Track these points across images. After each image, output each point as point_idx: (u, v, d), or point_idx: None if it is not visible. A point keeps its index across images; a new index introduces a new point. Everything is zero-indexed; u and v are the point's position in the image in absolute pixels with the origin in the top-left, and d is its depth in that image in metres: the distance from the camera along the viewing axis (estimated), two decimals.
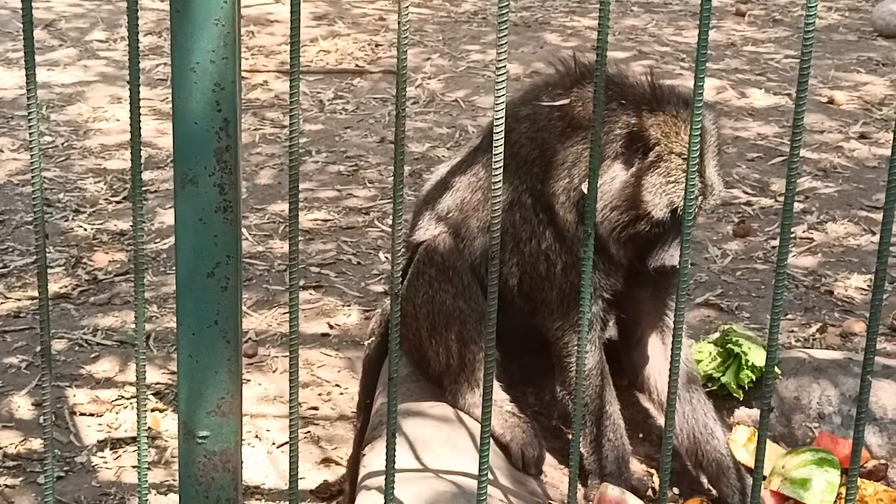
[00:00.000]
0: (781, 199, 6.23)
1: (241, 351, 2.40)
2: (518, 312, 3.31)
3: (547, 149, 3.20)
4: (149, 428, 4.35)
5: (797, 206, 6.15)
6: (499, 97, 2.20)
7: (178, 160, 2.28)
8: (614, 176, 3.09)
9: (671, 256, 3.13)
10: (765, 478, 3.37)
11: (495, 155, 2.24)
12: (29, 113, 2.26)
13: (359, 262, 5.68)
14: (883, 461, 3.45)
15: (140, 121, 2.32)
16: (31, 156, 2.28)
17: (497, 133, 2.23)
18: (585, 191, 3.11)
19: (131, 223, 6.09)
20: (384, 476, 2.40)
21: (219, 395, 2.36)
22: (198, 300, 2.32)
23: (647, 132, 3.08)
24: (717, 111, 3.34)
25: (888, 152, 6.66)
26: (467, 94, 7.86)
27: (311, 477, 4.18)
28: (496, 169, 2.24)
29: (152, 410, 4.49)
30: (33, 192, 2.30)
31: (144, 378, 2.41)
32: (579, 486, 3.36)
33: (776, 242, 5.75)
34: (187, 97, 2.24)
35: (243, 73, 8.17)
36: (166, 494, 4.07)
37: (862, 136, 7.06)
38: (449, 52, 8.73)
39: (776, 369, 3.55)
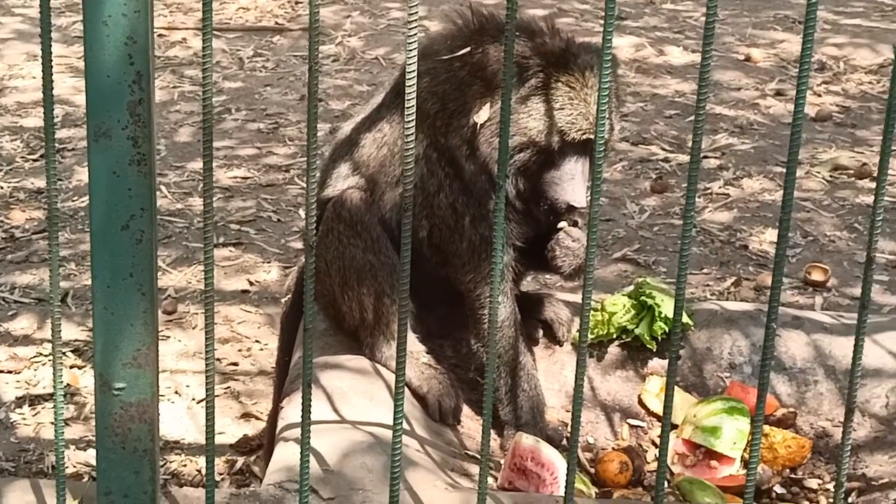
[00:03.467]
0: None
1: (157, 304, 2.40)
2: (430, 264, 3.35)
3: (448, 101, 3.23)
4: (67, 384, 4.33)
5: (714, 163, 6.24)
6: (410, 53, 2.22)
7: (91, 113, 2.28)
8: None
9: (563, 192, 3.18)
10: (676, 426, 3.46)
11: (407, 110, 2.26)
12: None
13: (279, 220, 5.68)
14: (791, 409, 3.55)
15: (52, 77, 2.31)
16: None
17: (409, 88, 2.25)
18: (477, 120, 3.16)
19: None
20: (300, 427, 2.43)
21: (135, 348, 2.37)
22: (112, 253, 2.33)
23: (530, 60, 3.12)
24: (615, 58, 3.38)
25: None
26: (388, 51, 7.85)
27: (231, 431, 4.21)
28: (409, 124, 2.26)
29: (71, 367, 4.48)
30: None
31: (60, 334, 2.41)
32: (495, 436, 3.42)
33: None
34: (99, 50, 2.24)
35: (162, 31, 8.08)
36: (85, 450, 4.07)
37: (778, 93, 7.17)
38: (369, 9, 8.70)
39: (689, 321, 3.63)
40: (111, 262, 2.33)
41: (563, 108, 3.13)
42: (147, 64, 2.26)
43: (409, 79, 2.24)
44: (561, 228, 3.26)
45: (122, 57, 2.24)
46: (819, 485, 3.33)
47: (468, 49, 3.20)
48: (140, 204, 2.31)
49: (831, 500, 3.19)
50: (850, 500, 3.20)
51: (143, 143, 2.29)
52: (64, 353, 4.49)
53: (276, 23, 8.36)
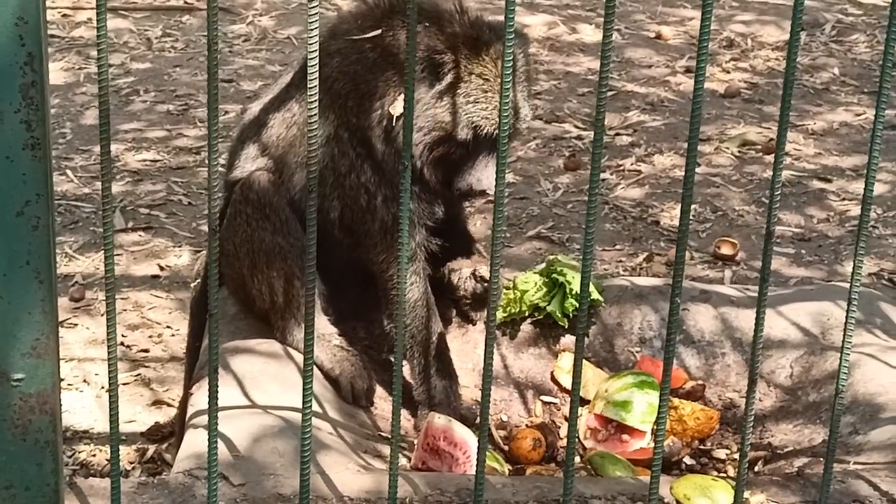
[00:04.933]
0: (611, 132, 6.36)
1: (56, 291, 2.35)
2: (341, 247, 3.33)
3: (360, 82, 3.21)
4: None
5: (626, 140, 6.28)
6: (311, 31, 2.19)
7: None
8: (418, 98, 3.12)
9: (477, 181, 3.19)
10: (588, 401, 3.48)
11: (310, 90, 2.23)
12: None
13: (189, 203, 5.60)
14: (700, 382, 3.59)
15: None
16: None
17: (311, 68, 2.22)
18: (393, 112, 3.15)
19: None
20: (208, 413, 2.40)
21: (33, 337, 2.32)
22: (8, 240, 2.27)
23: (444, 54, 3.12)
24: (526, 39, 3.38)
25: (712, 86, 6.86)
26: (299, 31, 7.78)
27: (142, 419, 4.15)
28: (311, 104, 2.23)
29: None
30: None
31: None
32: (409, 416, 3.41)
33: (605, 175, 5.88)
34: None
35: (66, 11, 7.93)
36: None
37: (688, 70, 7.23)
38: None
39: (598, 297, 3.65)
40: (6, 249, 2.27)
41: (478, 103, 3.14)
42: (39, 45, 2.20)
43: (312, 58, 2.21)
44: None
45: (12, 38, 2.18)
46: (727, 455, 3.38)
47: (378, 32, 3.18)
48: (35, 189, 2.26)
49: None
50: (756, 468, 3.24)
51: (38, 127, 2.23)
52: None
53: (185, 2, 8.24)
